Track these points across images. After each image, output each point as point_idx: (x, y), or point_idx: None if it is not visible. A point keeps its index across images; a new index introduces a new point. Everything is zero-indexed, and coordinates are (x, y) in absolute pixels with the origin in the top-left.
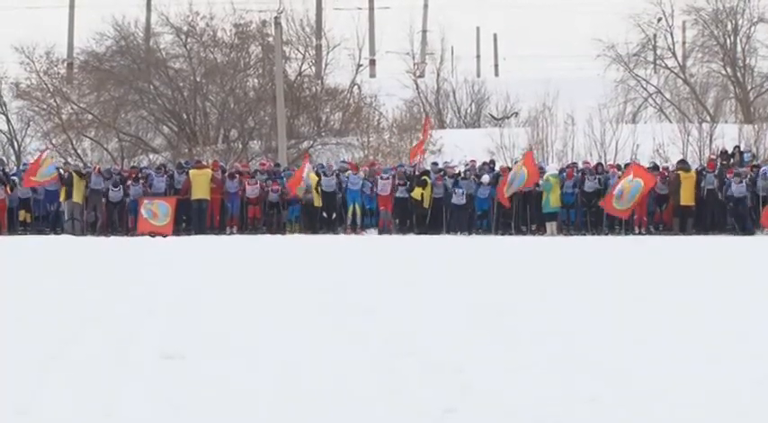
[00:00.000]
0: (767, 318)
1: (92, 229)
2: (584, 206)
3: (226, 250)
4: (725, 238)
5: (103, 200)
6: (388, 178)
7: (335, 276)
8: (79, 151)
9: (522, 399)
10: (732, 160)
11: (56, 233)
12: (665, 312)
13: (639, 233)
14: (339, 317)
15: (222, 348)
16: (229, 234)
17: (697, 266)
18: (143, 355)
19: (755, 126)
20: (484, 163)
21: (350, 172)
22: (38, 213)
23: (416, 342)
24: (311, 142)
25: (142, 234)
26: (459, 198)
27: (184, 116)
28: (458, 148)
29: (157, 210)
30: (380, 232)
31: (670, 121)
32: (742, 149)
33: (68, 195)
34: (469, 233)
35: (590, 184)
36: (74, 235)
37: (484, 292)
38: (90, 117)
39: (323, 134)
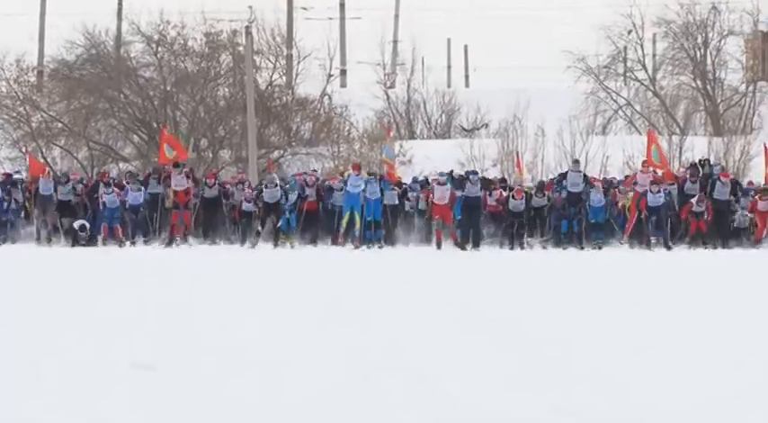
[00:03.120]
0: (755, 326)
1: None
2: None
3: (204, 259)
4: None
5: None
6: (446, 186)
7: (319, 285)
8: (49, 160)
9: (509, 410)
10: (701, 173)
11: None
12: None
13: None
14: (322, 326)
15: (201, 356)
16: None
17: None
18: (125, 363)
19: (725, 139)
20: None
21: (350, 172)
22: None
23: (403, 354)
24: (281, 152)
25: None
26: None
27: (154, 125)
28: (428, 158)
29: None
30: (438, 246)
31: (640, 134)
32: (712, 162)
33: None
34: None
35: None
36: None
37: (473, 301)
38: (60, 125)
39: (293, 144)
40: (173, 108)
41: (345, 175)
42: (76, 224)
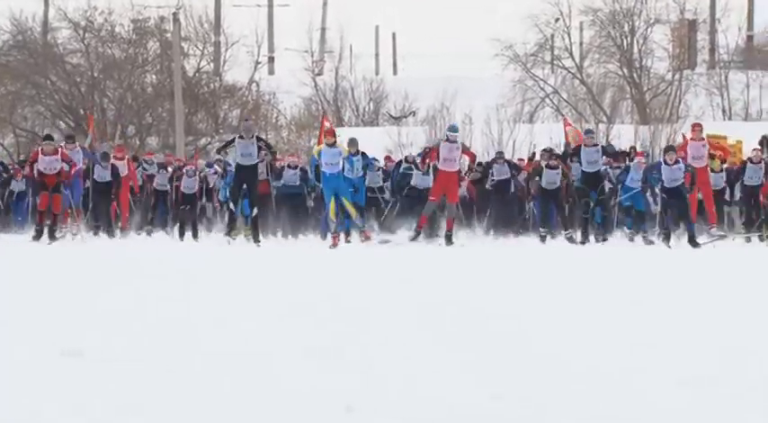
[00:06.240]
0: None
1: None
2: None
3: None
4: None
5: None
6: (456, 144)
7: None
8: None
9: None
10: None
11: None
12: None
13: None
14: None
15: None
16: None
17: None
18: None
19: (651, 127)
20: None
21: (322, 145)
22: None
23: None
24: (209, 139)
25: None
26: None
27: (81, 112)
28: None
29: None
30: (417, 233)
31: None
32: (638, 150)
33: None
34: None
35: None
36: None
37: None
38: None
39: (221, 131)
40: (100, 95)
41: (315, 150)
42: None
